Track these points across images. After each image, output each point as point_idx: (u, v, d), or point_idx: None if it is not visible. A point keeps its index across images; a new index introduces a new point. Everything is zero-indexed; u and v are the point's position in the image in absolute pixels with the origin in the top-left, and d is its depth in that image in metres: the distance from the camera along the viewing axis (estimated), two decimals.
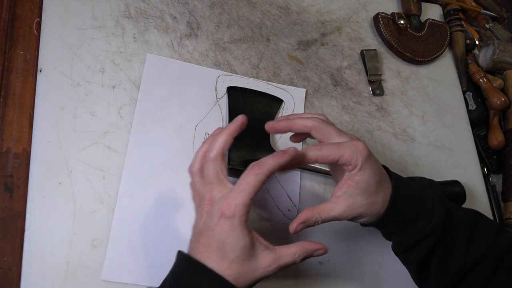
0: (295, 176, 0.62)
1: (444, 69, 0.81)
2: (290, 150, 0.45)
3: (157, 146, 0.58)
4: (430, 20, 0.81)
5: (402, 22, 0.78)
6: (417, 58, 0.78)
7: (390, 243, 0.53)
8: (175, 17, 0.67)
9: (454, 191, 0.66)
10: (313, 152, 0.46)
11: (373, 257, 0.60)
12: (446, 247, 0.49)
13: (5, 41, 0.58)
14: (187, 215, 0.56)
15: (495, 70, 0.81)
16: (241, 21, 0.71)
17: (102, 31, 0.62)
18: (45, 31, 0.59)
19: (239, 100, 0.63)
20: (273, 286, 0.56)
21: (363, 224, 0.52)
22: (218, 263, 0.42)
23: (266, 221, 0.59)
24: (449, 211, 0.49)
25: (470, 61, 0.82)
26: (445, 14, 0.85)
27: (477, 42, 0.85)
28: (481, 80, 0.80)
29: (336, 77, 0.72)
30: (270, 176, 0.44)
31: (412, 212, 0.49)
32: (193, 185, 0.48)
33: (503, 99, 0.77)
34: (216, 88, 0.64)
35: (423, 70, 0.79)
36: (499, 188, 0.76)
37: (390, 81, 0.76)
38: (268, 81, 0.68)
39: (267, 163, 0.44)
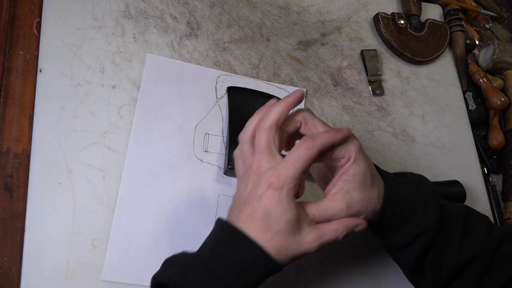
0: None
1: (444, 69, 0.81)
2: (345, 128, 0.44)
3: (157, 146, 0.58)
4: (430, 20, 0.81)
5: (402, 22, 0.78)
6: (417, 58, 0.78)
7: None
8: (175, 17, 0.67)
9: (454, 191, 0.66)
10: (327, 135, 0.43)
11: (373, 257, 0.60)
12: (440, 243, 0.48)
13: (5, 41, 0.58)
14: (187, 214, 0.56)
15: (495, 70, 0.81)
16: (241, 21, 0.71)
17: (102, 31, 0.62)
18: (45, 31, 0.59)
19: (239, 100, 0.63)
20: (273, 286, 0.56)
21: None
22: (261, 234, 0.41)
23: None
24: (441, 206, 0.49)
25: (470, 61, 0.82)
26: (445, 14, 0.85)
27: (477, 42, 0.85)
28: (481, 80, 0.80)
29: (336, 77, 0.73)
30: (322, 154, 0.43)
31: (406, 208, 0.48)
32: (240, 154, 0.46)
33: (503, 99, 0.77)
34: (216, 88, 0.64)
35: (423, 70, 0.79)
36: (499, 188, 0.76)
37: (390, 81, 0.76)
38: (268, 81, 0.68)
39: (321, 137, 0.42)
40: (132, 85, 0.60)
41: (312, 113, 0.47)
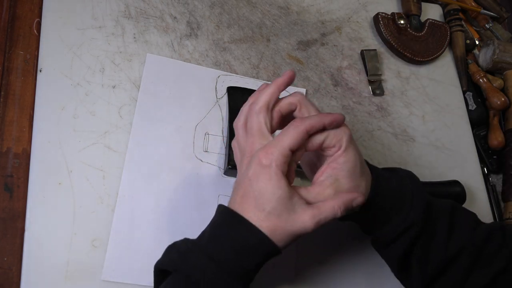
0: None
1: (444, 69, 0.81)
2: (336, 113, 0.44)
3: (157, 146, 0.58)
4: (430, 20, 0.81)
5: (402, 22, 0.78)
6: (417, 58, 0.78)
7: None
8: (175, 17, 0.67)
9: (454, 191, 0.66)
10: (318, 116, 0.44)
11: (373, 257, 0.60)
12: (427, 239, 0.48)
13: (5, 41, 0.58)
14: (187, 214, 0.56)
15: (495, 70, 0.81)
16: (241, 21, 0.71)
17: (102, 31, 0.62)
18: (45, 31, 0.59)
19: (239, 100, 0.63)
20: (273, 286, 0.56)
21: (342, 218, 0.51)
22: (254, 213, 0.41)
23: None
24: (428, 202, 0.49)
25: (470, 61, 0.82)
26: (445, 14, 0.85)
27: (477, 42, 0.85)
28: (481, 80, 0.80)
29: (336, 77, 0.73)
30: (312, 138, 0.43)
31: (393, 202, 0.48)
32: (237, 140, 0.47)
33: (503, 99, 0.77)
34: (216, 88, 0.64)
35: (423, 70, 0.79)
36: (499, 188, 0.76)
37: (390, 81, 0.76)
38: (268, 81, 0.68)
39: (310, 118, 0.43)
40: (132, 85, 0.60)
41: (307, 99, 0.47)
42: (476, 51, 0.85)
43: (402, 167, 0.66)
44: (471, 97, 0.79)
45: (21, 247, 0.49)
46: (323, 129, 0.44)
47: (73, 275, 0.50)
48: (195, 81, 0.64)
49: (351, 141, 0.45)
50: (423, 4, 0.83)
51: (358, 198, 0.44)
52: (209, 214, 0.56)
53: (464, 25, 0.84)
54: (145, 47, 0.63)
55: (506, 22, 0.91)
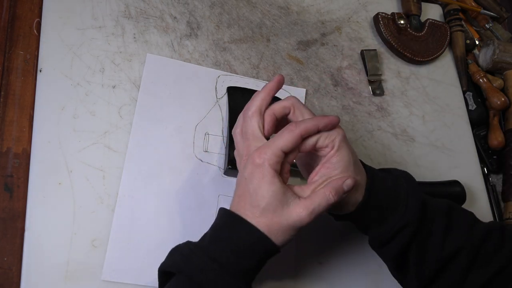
0: None
1: (444, 69, 0.81)
2: (332, 115, 0.45)
3: (157, 146, 0.58)
4: (430, 20, 0.81)
5: (402, 22, 0.78)
6: (417, 58, 0.78)
7: None
8: (175, 17, 0.67)
9: (454, 191, 0.66)
10: (312, 120, 0.45)
11: (373, 257, 0.60)
12: (423, 239, 0.48)
13: (5, 41, 0.58)
14: (187, 214, 0.56)
15: (495, 70, 0.81)
16: (241, 21, 0.71)
17: (102, 31, 0.62)
18: (45, 31, 0.59)
19: (239, 100, 0.63)
20: (273, 286, 0.56)
21: (338, 218, 0.52)
22: (250, 211, 0.43)
23: None
24: (424, 202, 0.49)
25: (470, 61, 0.82)
26: (445, 14, 0.85)
27: (477, 42, 0.85)
28: (481, 80, 0.80)
29: (336, 77, 0.73)
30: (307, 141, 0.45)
31: (388, 202, 0.48)
32: (236, 148, 0.49)
33: (503, 99, 0.77)
34: (216, 88, 0.64)
35: (423, 70, 0.79)
36: (499, 188, 0.76)
37: (390, 81, 0.76)
38: (268, 81, 0.67)
39: (305, 121, 0.45)
40: (132, 85, 0.60)
41: (301, 102, 0.48)
42: (476, 51, 0.85)
43: (402, 167, 0.67)
44: (471, 97, 0.79)
45: (21, 247, 0.49)
46: (317, 131, 0.45)
47: (73, 275, 0.50)
48: (195, 81, 0.64)
49: (344, 141, 0.46)
50: (423, 4, 0.83)
51: (347, 180, 0.44)
52: (209, 214, 0.57)
53: (464, 25, 0.84)
54: (145, 47, 0.63)
55: (506, 22, 0.91)
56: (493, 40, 0.80)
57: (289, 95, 0.67)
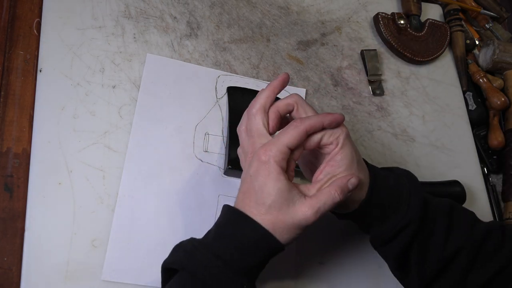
0: None
1: (444, 69, 0.81)
2: (336, 113, 0.45)
3: (157, 146, 0.58)
4: (430, 20, 0.81)
5: (402, 22, 0.78)
6: (417, 58, 0.78)
7: None
8: (175, 17, 0.67)
9: (454, 191, 0.66)
10: (317, 117, 0.45)
11: (373, 257, 0.60)
12: (425, 238, 0.49)
13: (5, 41, 0.58)
14: (187, 214, 0.56)
15: (495, 70, 0.81)
16: (241, 21, 0.71)
17: (102, 31, 0.62)
18: (45, 31, 0.59)
19: (239, 100, 0.63)
20: (274, 286, 0.56)
21: (340, 216, 0.52)
22: (256, 208, 0.43)
23: None
24: (426, 201, 0.49)
25: (470, 61, 0.82)
26: (445, 14, 0.85)
27: (477, 42, 0.85)
28: (481, 80, 0.80)
29: (336, 77, 0.73)
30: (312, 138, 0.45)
31: (391, 200, 0.48)
32: (241, 145, 0.49)
33: (503, 99, 0.77)
34: (216, 88, 0.64)
35: (423, 70, 0.79)
36: (499, 188, 0.76)
37: (390, 81, 0.76)
38: (268, 81, 0.68)
39: (310, 118, 0.45)
40: (132, 85, 0.60)
41: (304, 99, 0.49)
42: (476, 51, 0.85)
43: (402, 167, 0.67)
44: (471, 97, 0.79)
45: (21, 247, 0.49)
46: (322, 128, 0.45)
47: (73, 275, 0.50)
48: (195, 81, 0.64)
49: (348, 138, 0.46)
50: (423, 4, 0.83)
51: (352, 179, 0.45)
52: (209, 214, 0.57)
53: (464, 25, 0.84)
54: (145, 47, 0.63)
55: (506, 22, 0.91)
56: (493, 40, 0.80)
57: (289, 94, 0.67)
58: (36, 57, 0.58)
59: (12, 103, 0.55)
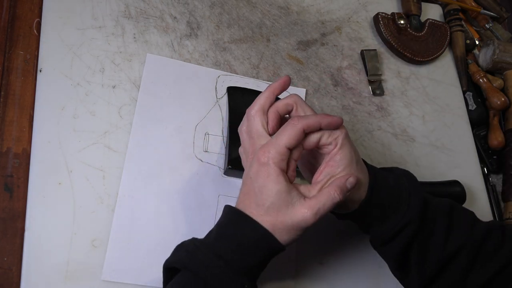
0: None
1: (444, 69, 0.81)
2: (335, 116, 0.45)
3: (157, 146, 0.58)
4: (430, 20, 0.81)
5: (402, 22, 0.78)
6: (417, 58, 0.78)
7: None
8: (175, 17, 0.67)
9: (454, 191, 0.66)
10: (315, 116, 0.45)
11: (373, 257, 0.60)
12: (425, 238, 0.49)
13: (5, 41, 0.58)
14: (187, 214, 0.56)
15: (495, 70, 0.81)
16: (241, 21, 0.71)
17: (102, 31, 0.62)
18: (45, 31, 0.59)
19: (239, 100, 0.63)
20: (274, 286, 0.56)
21: (340, 217, 0.52)
22: (256, 209, 0.43)
23: None
24: (426, 201, 0.49)
25: (470, 61, 0.82)
26: (445, 14, 0.85)
27: (477, 42, 0.85)
28: (481, 80, 0.80)
29: (336, 77, 0.73)
30: (311, 136, 0.45)
31: (390, 200, 0.48)
32: (242, 146, 0.49)
33: (503, 99, 0.77)
34: (216, 88, 0.64)
35: (423, 70, 0.79)
36: (499, 188, 0.76)
37: (390, 81, 0.76)
38: (268, 81, 0.68)
39: (307, 116, 0.45)
40: (132, 85, 0.60)
41: (303, 100, 0.49)
42: (476, 51, 0.85)
43: (402, 167, 0.67)
44: (471, 97, 0.79)
45: (21, 247, 0.49)
46: (319, 129, 0.45)
47: (73, 275, 0.50)
48: (195, 81, 0.64)
49: (347, 139, 0.46)
50: (423, 4, 0.83)
51: (350, 178, 0.45)
52: (209, 214, 0.57)
53: (464, 25, 0.84)
54: (145, 47, 0.63)
55: (506, 22, 0.91)
56: (493, 40, 0.80)
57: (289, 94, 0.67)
58: (36, 57, 0.58)
59: (12, 103, 0.55)
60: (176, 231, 0.55)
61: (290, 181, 0.44)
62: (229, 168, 0.57)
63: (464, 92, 0.80)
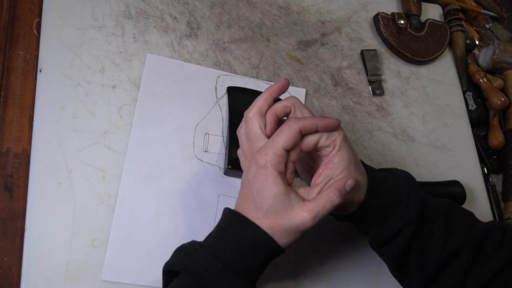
0: None
1: (444, 69, 0.81)
2: (332, 118, 0.45)
3: (157, 146, 0.58)
4: (430, 20, 0.81)
5: (402, 22, 0.78)
6: (417, 58, 0.78)
7: None
8: (175, 17, 0.67)
9: (454, 191, 0.66)
10: (312, 118, 0.45)
11: (373, 258, 0.60)
12: (424, 239, 0.49)
13: (5, 41, 0.58)
14: (187, 214, 0.56)
15: (495, 70, 0.81)
16: (241, 21, 0.71)
17: (102, 31, 0.62)
18: (45, 31, 0.59)
19: (239, 100, 0.63)
20: (274, 286, 0.56)
21: (339, 218, 0.52)
22: (254, 212, 0.43)
23: None
24: (424, 202, 0.49)
25: (470, 61, 0.82)
26: (445, 14, 0.85)
27: (477, 42, 0.85)
28: (481, 80, 0.80)
29: (336, 77, 0.73)
30: (308, 138, 0.45)
31: (389, 201, 0.48)
32: (241, 148, 0.49)
33: (503, 99, 0.77)
34: (216, 88, 0.64)
35: (423, 70, 0.79)
36: (499, 188, 0.76)
37: (390, 81, 0.76)
38: (268, 81, 0.68)
39: (303, 118, 0.45)
40: (132, 85, 0.60)
41: (301, 102, 0.49)
42: (476, 51, 0.85)
43: (402, 167, 0.67)
44: (471, 97, 0.79)
45: (21, 247, 0.49)
46: (316, 130, 0.45)
47: (73, 275, 0.50)
48: (195, 81, 0.64)
49: (345, 140, 0.46)
50: (423, 4, 0.83)
51: (349, 180, 0.45)
52: (209, 214, 0.57)
53: (464, 25, 0.84)
54: (145, 47, 0.63)
55: (506, 22, 0.91)
56: (493, 40, 0.80)
57: (289, 95, 0.67)
58: (36, 57, 0.58)
59: (12, 103, 0.55)
60: (176, 231, 0.55)
61: (288, 184, 0.44)
62: (229, 168, 0.57)
63: (464, 92, 0.80)
